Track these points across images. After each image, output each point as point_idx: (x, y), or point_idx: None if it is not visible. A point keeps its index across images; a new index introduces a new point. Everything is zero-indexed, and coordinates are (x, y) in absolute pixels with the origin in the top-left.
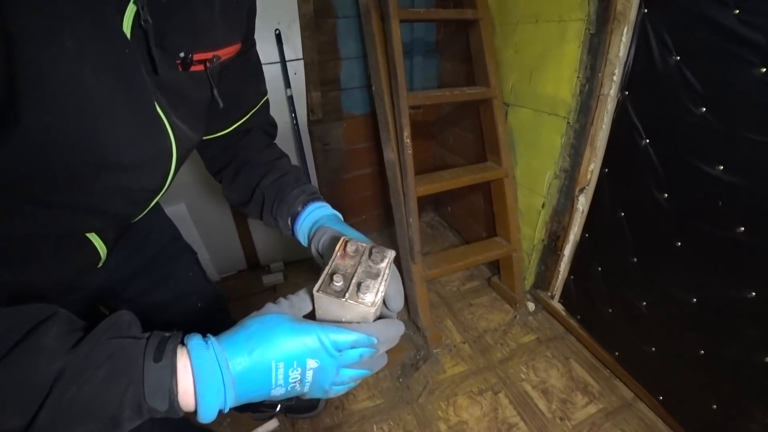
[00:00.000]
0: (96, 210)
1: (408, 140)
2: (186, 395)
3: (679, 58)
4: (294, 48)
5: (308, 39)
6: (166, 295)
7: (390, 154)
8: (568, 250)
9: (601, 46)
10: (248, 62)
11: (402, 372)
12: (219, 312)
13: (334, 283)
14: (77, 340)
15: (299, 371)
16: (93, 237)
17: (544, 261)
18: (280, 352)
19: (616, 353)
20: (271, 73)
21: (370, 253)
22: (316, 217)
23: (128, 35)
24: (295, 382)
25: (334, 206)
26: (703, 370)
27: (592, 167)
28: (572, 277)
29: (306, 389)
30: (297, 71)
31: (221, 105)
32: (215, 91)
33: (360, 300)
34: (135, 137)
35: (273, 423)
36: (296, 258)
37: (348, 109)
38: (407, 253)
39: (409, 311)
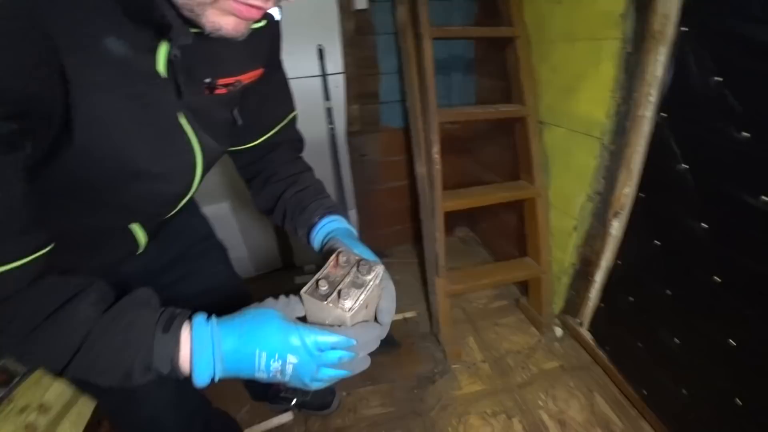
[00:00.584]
0: (132, 209)
1: (437, 156)
2: (185, 362)
3: (720, 79)
4: (335, 63)
5: (349, 55)
6: (193, 287)
7: (420, 168)
8: (599, 277)
9: (637, 65)
10: (273, 83)
11: (417, 384)
12: (241, 305)
13: (320, 288)
14: (106, 308)
15: (280, 363)
16: (135, 227)
17: (575, 286)
18: (264, 343)
19: (644, 391)
20: (312, 86)
21: (359, 265)
22: (329, 230)
23: (163, 69)
24: (275, 372)
25: (369, 215)
26: (738, 421)
27: (627, 191)
28: (603, 305)
29: (287, 379)
30: (338, 85)
31: (239, 123)
32: (235, 112)
33: (339, 305)
34: (160, 152)
35: (287, 416)
36: None
37: (386, 122)
38: (432, 267)
39: (431, 325)
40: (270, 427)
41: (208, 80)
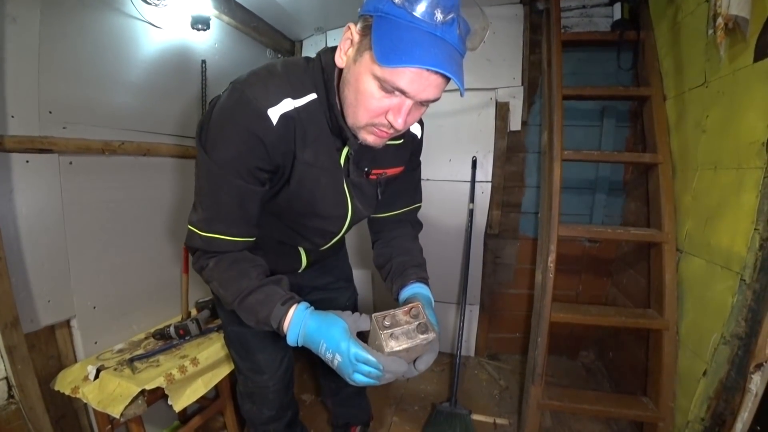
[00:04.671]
0: (304, 235)
1: (551, 264)
2: (286, 327)
3: None
4: (485, 173)
5: (499, 168)
6: (323, 309)
7: (539, 276)
8: None
9: None
10: (410, 179)
11: None
12: None
13: (385, 321)
14: (263, 278)
15: (331, 355)
16: (302, 251)
17: None
18: (327, 338)
19: None
20: (462, 189)
21: (419, 325)
22: (415, 292)
23: (341, 161)
24: (329, 360)
25: (491, 315)
26: None
27: None
28: None
29: (335, 368)
30: (484, 191)
31: (380, 198)
32: (378, 191)
33: (385, 341)
34: (331, 204)
35: None
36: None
37: (524, 231)
38: (530, 373)
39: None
40: None
41: (366, 169)
